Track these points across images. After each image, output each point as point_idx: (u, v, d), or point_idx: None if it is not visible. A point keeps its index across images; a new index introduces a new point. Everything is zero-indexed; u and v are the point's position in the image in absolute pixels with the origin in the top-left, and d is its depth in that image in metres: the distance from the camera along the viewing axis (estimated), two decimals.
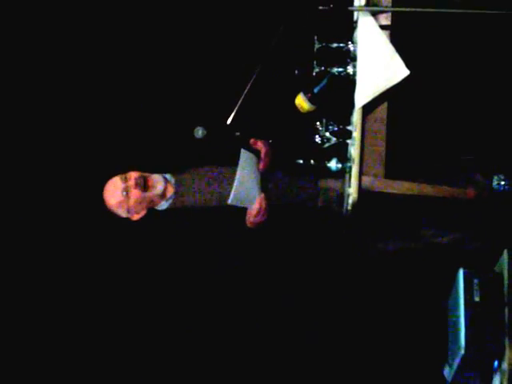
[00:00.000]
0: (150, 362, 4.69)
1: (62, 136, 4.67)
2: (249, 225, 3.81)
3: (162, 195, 3.83)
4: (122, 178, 3.78)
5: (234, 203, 3.72)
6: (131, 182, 3.76)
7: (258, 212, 3.77)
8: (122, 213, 3.81)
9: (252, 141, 3.88)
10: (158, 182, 3.81)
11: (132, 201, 3.77)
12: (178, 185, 3.86)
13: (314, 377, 4.59)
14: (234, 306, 4.63)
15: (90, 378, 4.62)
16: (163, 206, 3.86)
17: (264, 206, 3.77)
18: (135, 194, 3.76)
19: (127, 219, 3.84)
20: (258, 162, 3.84)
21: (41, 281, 4.64)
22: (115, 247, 4.53)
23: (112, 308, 4.66)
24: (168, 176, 3.88)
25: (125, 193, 3.75)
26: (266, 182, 3.86)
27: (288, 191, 3.89)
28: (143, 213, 3.83)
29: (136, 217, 3.82)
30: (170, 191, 3.86)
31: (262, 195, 3.77)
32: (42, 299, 4.64)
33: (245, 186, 3.73)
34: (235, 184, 3.69)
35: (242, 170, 3.72)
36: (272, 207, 3.81)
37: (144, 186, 3.77)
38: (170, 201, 3.85)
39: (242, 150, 3.76)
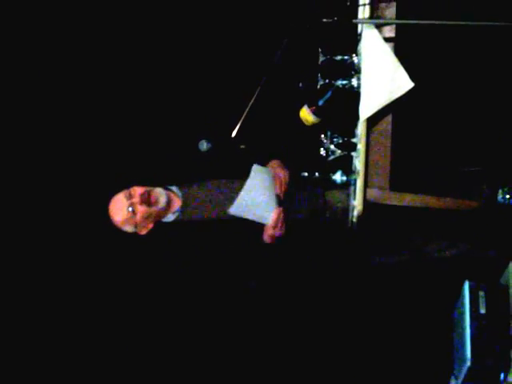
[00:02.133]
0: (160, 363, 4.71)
1: (66, 149, 4.69)
2: (266, 239, 3.81)
3: (168, 208, 3.82)
4: (126, 196, 3.75)
5: (235, 213, 3.73)
6: (136, 199, 3.75)
7: (276, 224, 3.76)
8: (129, 229, 3.80)
9: (274, 165, 3.90)
10: (160, 195, 3.79)
11: (139, 217, 3.75)
12: (184, 197, 3.85)
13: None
14: (239, 316, 4.64)
15: (90, 378, 4.63)
16: (170, 218, 3.85)
17: (281, 218, 3.76)
18: (141, 210, 3.74)
19: (134, 234, 3.83)
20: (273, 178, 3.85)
21: (46, 292, 4.66)
22: (121, 258, 4.54)
23: (115, 319, 4.67)
24: (174, 188, 3.87)
25: (131, 209, 3.73)
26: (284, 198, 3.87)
27: (296, 203, 3.90)
28: (150, 226, 3.81)
29: (143, 231, 3.81)
30: (177, 204, 3.84)
31: (280, 208, 3.77)
32: (47, 309, 4.66)
33: (251, 198, 3.72)
34: (241, 193, 3.70)
35: (252, 181, 3.72)
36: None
37: (148, 202, 3.76)
38: (177, 213, 3.84)
39: (255, 165, 3.76)
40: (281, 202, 3.81)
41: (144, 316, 4.70)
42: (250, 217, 3.75)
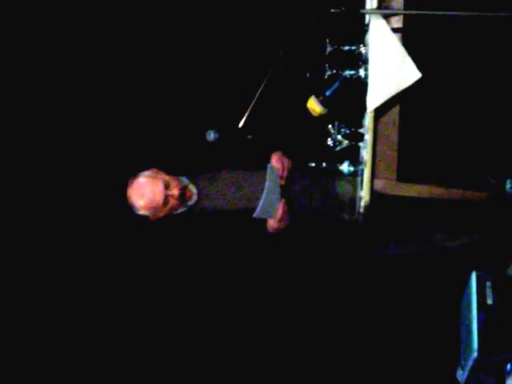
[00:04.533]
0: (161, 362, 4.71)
1: (77, 138, 4.70)
2: (271, 231, 3.80)
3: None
4: (165, 184, 3.72)
5: (259, 216, 3.72)
6: (175, 192, 3.72)
7: (282, 218, 3.75)
8: (146, 213, 3.78)
9: (273, 160, 3.89)
10: (193, 194, 3.80)
11: (167, 208, 3.75)
12: (199, 194, 3.85)
13: (326, 378, 4.59)
14: (245, 307, 4.64)
15: (89, 378, 4.64)
16: (181, 210, 3.85)
17: (286, 211, 3.76)
18: (174, 204, 3.74)
19: (143, 217, 3.82)
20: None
21: (54, 280, 4.67)
22: (127, 247, 4.55)
23: (117, 308, 4.68)
24: (191, 187, 3.86)
25: (165, 201, 3.71)
26: (288, 185, 3.86)
27: (305, 194, 3.90)
28: (161, 216, 3.81)
29: (154, 218, 3.80)
30: (193, 199, 3.84)
31: (283, 201, 3.76)
32: (53, 299, 4.67)
33: (269, 200, 3.72)
34: (262, 200, 3.68)
35: (269, 184, 3.71)
36: (290, 210, 3.81)
37: (184, 198, 3.76)
38: (190, 207, 3.84)
39: (269, 166, 3.75)
40: (283, 191, 3.81)
41: (149, 304, 4.71)
42: (269, 216, 3.75)
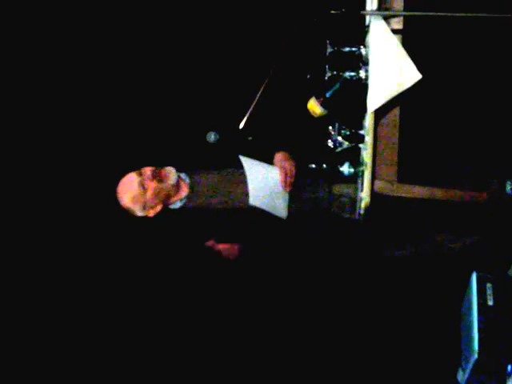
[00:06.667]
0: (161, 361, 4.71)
1: (76, 137, 4.70)
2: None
3: (176, 192, 3.83)
4: (136, 173, 3.78)
5: (255, 203, 3.75)
6: (148, 174, 3.76)
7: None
8: (138, 209, 3.79)
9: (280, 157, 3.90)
10: (170, 172, 3.81)
11: (149, 193, 3.76)
12: (192, 185, 3.87)
13: (326, 378, 4.59)
14: (242, 307, 4.64)
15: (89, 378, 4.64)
16: (177, 205, 3.86)
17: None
18: (152, 185, 3.76)
19: (142, 217, 3.83)
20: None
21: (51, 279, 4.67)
22: (126, 245, 4.54)
23: (117, 306, 4.67)
24: (183, 175, 3.89)
25: (141, 186, 3.75)
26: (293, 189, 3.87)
27: (303, 195, 3.90)
28: (159, 208, 3.81)
29: (151, 212, 3.81)
30: (185, 190, 3.86)
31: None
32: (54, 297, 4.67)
33: (260, 182, 3.74)
34: (248, 182, 3.72)
35: (251, 172, 3.73)
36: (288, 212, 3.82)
37: (159, 177, 3.77)
38: (185, 200, 3.86)
39: (241, 157, 3.78)
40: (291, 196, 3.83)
41: (148, 302, 4.71)
42: (266, 207, 3.77)
